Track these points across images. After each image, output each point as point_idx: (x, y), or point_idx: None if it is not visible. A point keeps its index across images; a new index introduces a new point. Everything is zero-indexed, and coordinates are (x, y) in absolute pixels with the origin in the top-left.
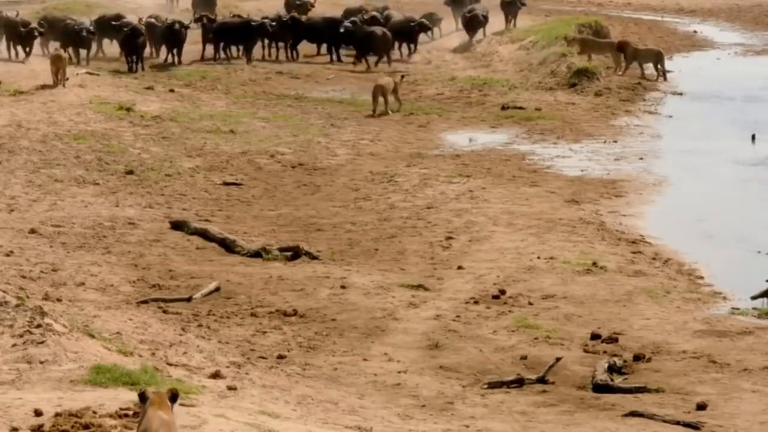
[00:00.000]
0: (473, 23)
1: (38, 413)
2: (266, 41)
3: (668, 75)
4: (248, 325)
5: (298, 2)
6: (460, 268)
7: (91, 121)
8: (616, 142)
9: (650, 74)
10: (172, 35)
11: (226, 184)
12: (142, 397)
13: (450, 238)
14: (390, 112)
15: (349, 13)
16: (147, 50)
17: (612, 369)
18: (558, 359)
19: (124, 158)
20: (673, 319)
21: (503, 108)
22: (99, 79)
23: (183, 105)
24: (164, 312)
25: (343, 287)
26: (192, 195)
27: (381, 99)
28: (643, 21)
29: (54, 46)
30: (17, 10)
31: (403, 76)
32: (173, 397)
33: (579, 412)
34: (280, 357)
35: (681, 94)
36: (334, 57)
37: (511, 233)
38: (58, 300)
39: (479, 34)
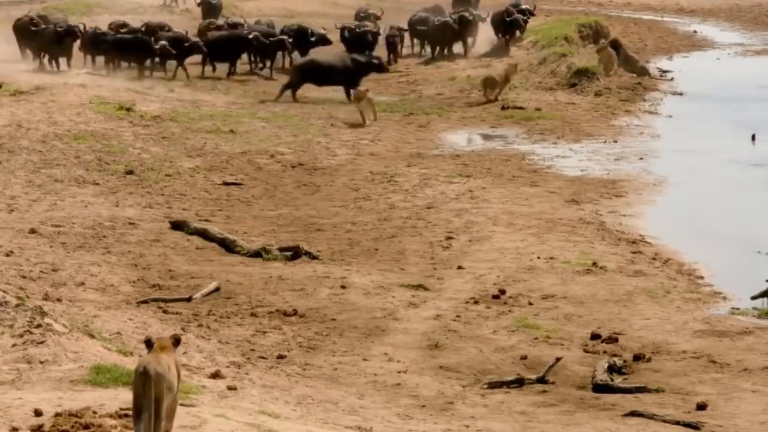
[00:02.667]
0: (514, 24)
1: (38, 413)
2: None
3: (668, 75)
4: (248, 325)
5: (362, 14)
6: (460, 268)
7: (91, 121)
8: (616, 142)
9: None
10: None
11: (226, 184)
12: (148, 343)
13: (450, 238)
14: (497, 99)
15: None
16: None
17: (612, 369)
18: (558, 359)
19: (124, 158)
20: (673, 319)
21: (503, 108)
22: (99, 79)
23: (183, 105)
24: (164, 312)
25: (343, 287)
26: (192, 195)
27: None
28: (643, 21)
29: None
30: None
31: (516, 65)
32: (176, 341)
33: (579, 412)
34: (280, 357)
35: (681, 94)
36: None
37: (511, 233)
38: (58, 300)
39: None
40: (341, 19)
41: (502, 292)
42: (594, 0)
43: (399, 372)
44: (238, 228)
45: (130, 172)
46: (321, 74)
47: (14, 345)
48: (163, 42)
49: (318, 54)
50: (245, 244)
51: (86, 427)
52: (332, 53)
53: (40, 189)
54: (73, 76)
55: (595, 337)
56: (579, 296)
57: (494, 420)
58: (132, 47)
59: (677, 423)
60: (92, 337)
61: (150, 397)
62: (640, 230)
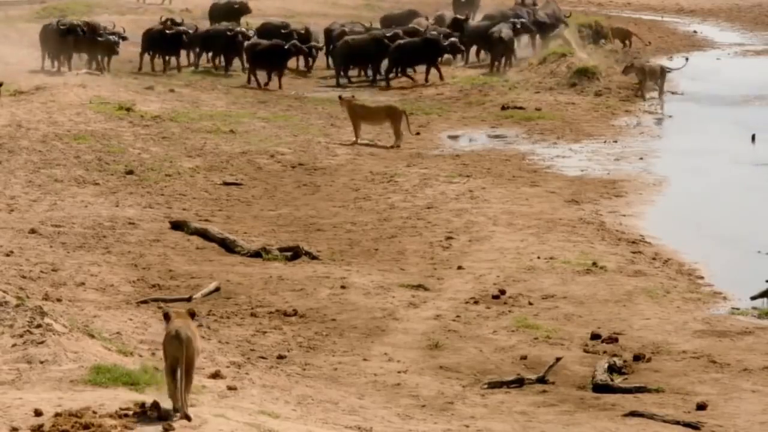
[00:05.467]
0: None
1: (38, 413)
2: None
3: (668, 75)
4: (248, 325)
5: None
6: (460, 268)
7: (91, 121)
8: (616, 142)
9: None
10: (231, 44)
11: (226, 184)
12: (167, 316)
13: (450, 238)
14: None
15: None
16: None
17: (612, 369)
18: (558, 359)
19: (124, 158)
20: (673, 319)
21: (503, 108)
22: (99, 79)
23: (183, 105)
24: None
25: (343, 287)
26: (192, 195)
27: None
28: (643, 21)
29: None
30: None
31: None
32: (192, 314)
33: (579, 412)
34: (280, 357)
35: (681, 93)
36: None
37: (511, 233)
38: (58, 300)
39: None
40: (341, 20)
41: (502, 292)
42: (594, 0)
43: (399, 372)
44: (238, 228)
45: (130, 172)
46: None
47: (14, 345)
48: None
49: None
50: (245, 244)
51: (86, 427)
52: None
53: (40, 189)
54: (72, 76)
55: (595, 337)
56: (579, 296)
57: (494, 420)
58: (422, 49)
59: (677, 423)
60: (92, 337)
61: (182, 359)
62: (640, 230)
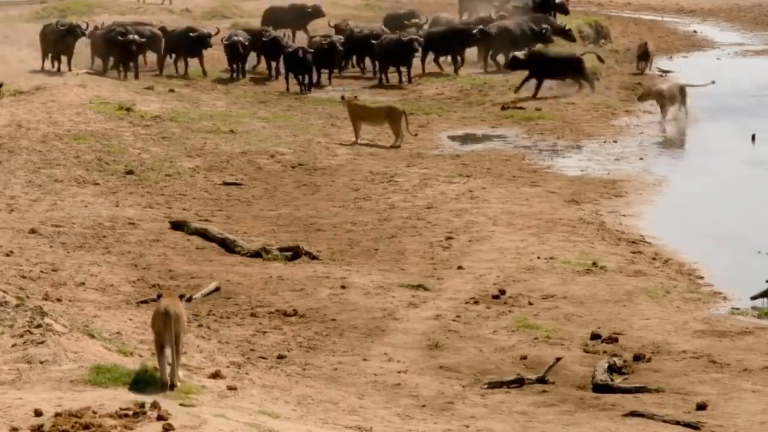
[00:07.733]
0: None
1: (38, 413)
2: None
3: (669, 75)
4: (248, 325)
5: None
6: (460, 268)
7: (91, 121)
8: (616, 142)
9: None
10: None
11: (226, 184)
12: (159, 297)
13: (450, 238)
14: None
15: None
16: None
17: (612, 369)
18: (558, 359)
19: (124, 158)
20: (673, 319)
21: (503, 108)
22: (99, 79)
23: (183, 105)
24: None
25: (343, 287)
26: (192, 195)
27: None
28: (643, 21)
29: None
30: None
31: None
32: (182, 297)
33: (579, 412)
34: (280, 357)
35: None
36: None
37: (511, 233)
38: (58, 300)
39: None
40: (341, 19)
41: (502, 292)
42: (594, 0)
43: (399, 372)
44: (238, 228)
45: (130, 172)
46: None
47: (14, 345)
48: None
49: None
50: (245, 244)
51: (86, 427)
52: None
53: (40, 189)
54: (72, 76)
55: (595, 337)
56: (579, 296)
57: (494, 420)
58: None
59: (677, 423)
60: (92, 337)
61: (171, 333)
62: (640, 230)
